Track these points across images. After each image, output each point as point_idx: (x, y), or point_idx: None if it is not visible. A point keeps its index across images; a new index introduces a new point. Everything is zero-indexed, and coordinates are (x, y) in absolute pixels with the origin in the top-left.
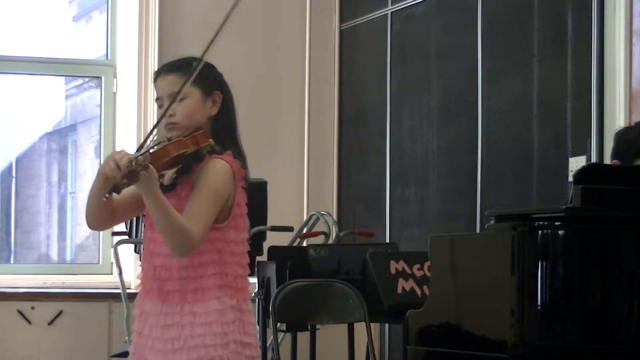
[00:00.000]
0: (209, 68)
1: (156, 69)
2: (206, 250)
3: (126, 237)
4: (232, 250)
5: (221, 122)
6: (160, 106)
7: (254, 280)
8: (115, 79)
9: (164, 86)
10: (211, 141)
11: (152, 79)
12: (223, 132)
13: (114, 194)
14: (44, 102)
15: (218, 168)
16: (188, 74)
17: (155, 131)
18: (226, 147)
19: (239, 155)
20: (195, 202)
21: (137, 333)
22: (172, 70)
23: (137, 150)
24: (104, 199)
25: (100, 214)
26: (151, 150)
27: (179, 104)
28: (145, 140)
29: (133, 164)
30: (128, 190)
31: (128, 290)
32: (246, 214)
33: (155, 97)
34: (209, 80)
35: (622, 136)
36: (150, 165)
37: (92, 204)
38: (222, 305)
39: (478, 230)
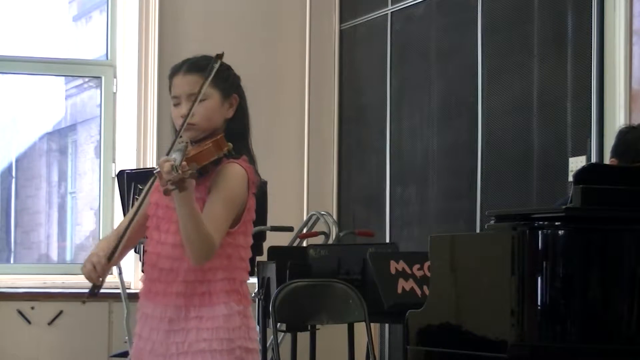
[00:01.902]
0: (228, 70)
1: (156, 69)
2: (217, 254)
3: None
4: (240, 255)
5: (236, 125)
6: (176, 105)
7: (254, 280)
8: (115, 79)
9: (184, 85)
10: (230, 145)
11: (169, 75)
12: (237, 135)
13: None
14: (44, 102)
15: (236, 173)
16: (208, 75)
17: (155, 130)
18: (240, 151)
19: (252, 160)
20: (214, 207)
21: (137, 335)
22: (192, 70)
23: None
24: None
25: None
26: (187, 156)
27: (198, 106)
28: (172, 145)
29: (179, 171)
30: (137, 218)
31: (128, 290)
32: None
33: (172, 94)
34: (229, 82)
35: (624, 136)
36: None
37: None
38: (229, 310)
39: (478, 230)
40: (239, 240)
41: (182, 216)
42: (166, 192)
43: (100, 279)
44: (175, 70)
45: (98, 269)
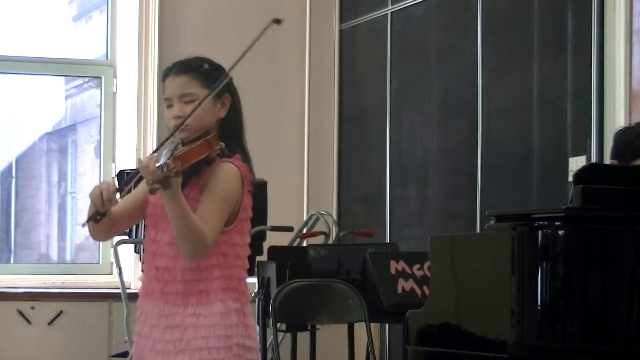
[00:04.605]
0: (219, 70)
1: (156, 69)
2: (212, 253)
3: (126, 237)
4: (237, 253)
5: (229, 125)
6: (168, 106)
7: (253, 280)
8: (115, 79)
9: (175, 87)
10: (222, 144)
11: (161, 77)
12: (231, 135)
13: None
14: (44, 102)
15: (229, 172)
16: (199, 75)
17: (155, 130)
18: (234, 150)
19: (246, 158)
20: (207, 206)
21: (137, 334)
22: (182, 71)
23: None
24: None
25: (100, 227)
26: (175, 155)
27: (189, 107)
28: (161, 144)
29: (164, 169)
30: (128, 199)
31: (128, 290)
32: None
33: (164, 96)
34: (220, 83)
35: (621, 136)
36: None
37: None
38: (226, 308)
39: (478, 230)
40: (235, 238)
41: (170, 213)
42: (152, 191)
43: (104, 206)
44: (167, 73)
45: (105, 194)
